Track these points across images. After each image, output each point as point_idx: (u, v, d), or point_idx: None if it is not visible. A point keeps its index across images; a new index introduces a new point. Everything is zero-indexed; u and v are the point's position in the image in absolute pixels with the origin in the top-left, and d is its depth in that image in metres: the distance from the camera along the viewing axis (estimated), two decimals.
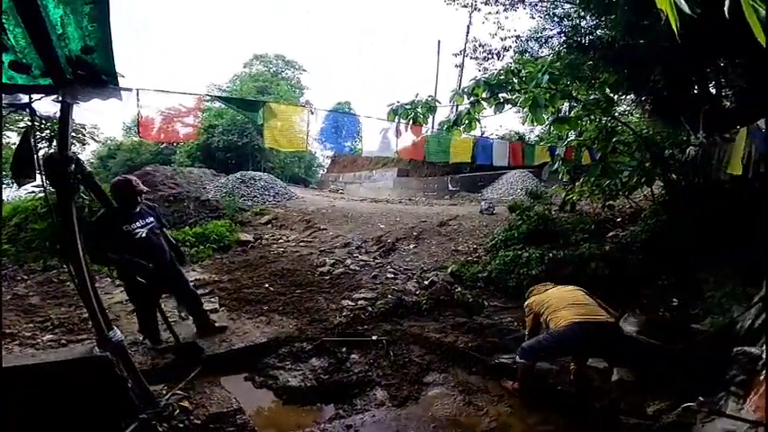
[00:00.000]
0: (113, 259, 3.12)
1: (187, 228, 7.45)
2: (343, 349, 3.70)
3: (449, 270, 5.66)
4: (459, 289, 5.14)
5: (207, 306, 4.12)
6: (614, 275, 4.68)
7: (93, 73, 1.97)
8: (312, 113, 3.28)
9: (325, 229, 8.23)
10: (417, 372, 3.42)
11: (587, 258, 4.99)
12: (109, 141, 25.83)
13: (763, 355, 2.59)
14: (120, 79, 2.09)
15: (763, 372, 2.39)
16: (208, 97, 3.18)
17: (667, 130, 5.59)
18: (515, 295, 5.05)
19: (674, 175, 5.05)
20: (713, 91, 5.86)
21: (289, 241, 7.56)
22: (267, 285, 5.18)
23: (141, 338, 3.54)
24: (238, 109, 3.26)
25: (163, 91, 2.49)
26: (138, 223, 3.21)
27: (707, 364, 2.87)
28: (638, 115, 7.44)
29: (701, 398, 2.23)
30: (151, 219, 3.35)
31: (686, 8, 0.93)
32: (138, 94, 2.40)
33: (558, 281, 3.62)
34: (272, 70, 29.54)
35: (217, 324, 3.85)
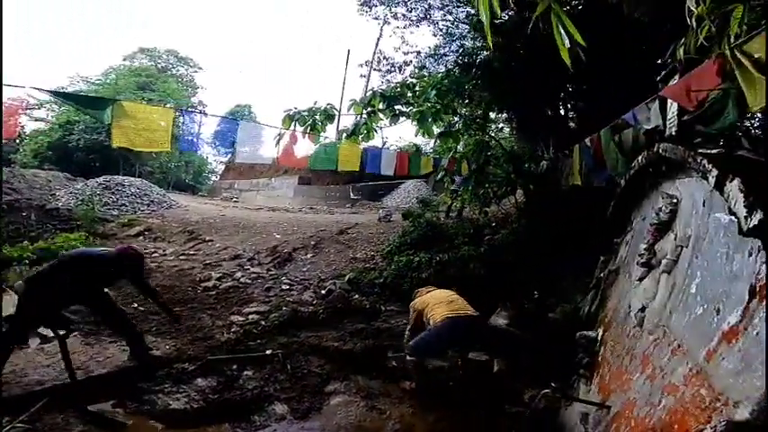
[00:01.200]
0: None
1: (26, 242, 6.00)
2: (234, 366, 3.45)
3: (346, 278, 5.67)
4: (357, 296, 5.18)
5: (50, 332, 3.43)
6: (489, 274, 5.27)
7: None
8: (184, 116, 2.98)
9: (212, 241, 7.51)
10: (318, 382, 3.37)
11: (467, 260, 5.53)
12: None
13: (599, 338, 3.12)
14: None
15: (600, 353, 2.86)
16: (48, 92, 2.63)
17: (528, 146, 6.57)
18: (409, 298, 5.30)
19: (531, 186, 5.95)
20: (562, 113, 7.07)
21: (165, 255, 6.66)
22: (135, 305, 4.47)
23: None
24: (77, 105, 2.76)
25: None
26: None
27: (560, 349, 3.34)
28: (507, 132, 8.58)
29: (552, 383, 2.56)
30: None
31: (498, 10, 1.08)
32: None
33: (443, 282, 3.95)
34: (160, 65, 26.55)
35: None
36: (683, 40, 2.03)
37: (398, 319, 4.85)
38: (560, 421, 2.85)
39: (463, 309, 3.33)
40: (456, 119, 5.68)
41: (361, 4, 9.29)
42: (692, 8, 1.62)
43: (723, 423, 1.34)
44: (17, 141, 20.74)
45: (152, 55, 26.86)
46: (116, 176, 11.21)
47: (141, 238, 7.76)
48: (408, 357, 3.28)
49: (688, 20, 1.74)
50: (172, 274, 5.65)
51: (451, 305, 3.34)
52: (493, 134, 6.62)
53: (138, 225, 8.32)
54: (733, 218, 1.61)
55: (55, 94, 2.70)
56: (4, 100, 2.31)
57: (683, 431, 1.58)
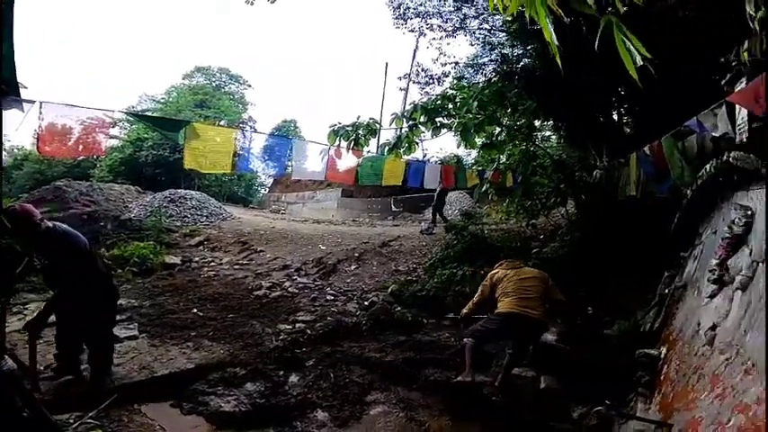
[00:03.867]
0: None
1: (103, 249, 6.71)
2: (281, 372, 3.56)
3: (389, 290, 5.70)
4: (399, 308, 5.19)
5: (124, 332, 3.75)
6: None
7: None
8: (243, 135, 3.20)
9: (263, 251, 7.91)
10: (358, 392, 3.39)
11: None
12: (15, 150, 22.53)
13: (662, 356, 2.91)
14: (22, 90, 1.90)
15: (663, 372, 2.67)
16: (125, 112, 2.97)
17: (578, 154, 6.26)
18: (452, 312, 5.22)
19: (583, 196, 5.64)
20: (616, 118, 6.67)
21: (221, 264, 7.12)
22: (196, 310, 4.81)
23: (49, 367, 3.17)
24: (155, 127, 3.07)
25: (68, 105, 2.28)
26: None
27: (617, 366, 3.15)
28: (555, 141, 8.23)
29: (607, 401, 2.43)
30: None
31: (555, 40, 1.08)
32: (41, 107, 2.17)
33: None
34: (214, 84, 28.31)
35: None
36: (746, 43, 1.88)
37: (440, 332, 4.79)
38: None
39: (529, 308, 3.42)
40: (499, 129, 5.57)
41: (396, 17, 9.39)
42: (752, 12, 1.51)
43: None
44: (95, 157, 23.21)
45: (207, 73, 28.52)
46: (179, 190, 12.17)
47: (201, 247, 8.36)
48: (465, 339, 3.47)
49: (750, 23, 1.61)
50: (227, 282, 6.02)
51: (521, 300, 3.44)
52: (539, 143, 6.38)
53: (198, 235, 8.97)
54: None
55: (138, 116, 3.03)
56: (85, 119, 2.53)
57: None
